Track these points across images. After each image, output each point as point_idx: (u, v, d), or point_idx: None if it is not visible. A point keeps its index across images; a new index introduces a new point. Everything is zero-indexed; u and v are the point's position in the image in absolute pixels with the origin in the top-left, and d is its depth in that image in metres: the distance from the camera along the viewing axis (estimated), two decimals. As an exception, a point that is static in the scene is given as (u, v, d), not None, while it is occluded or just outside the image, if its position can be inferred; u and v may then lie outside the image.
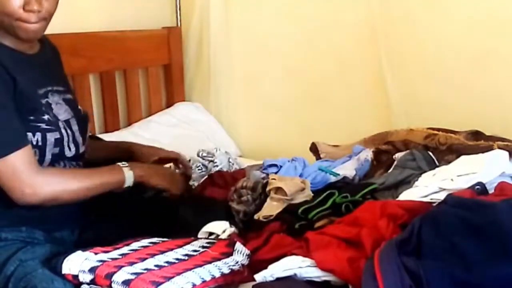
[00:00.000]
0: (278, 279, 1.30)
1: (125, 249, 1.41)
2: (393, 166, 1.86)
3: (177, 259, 1.37)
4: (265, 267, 1.32)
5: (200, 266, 1.33)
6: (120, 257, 1.36)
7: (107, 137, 2.20)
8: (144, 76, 2.66)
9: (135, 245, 1.44)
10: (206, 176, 2.13)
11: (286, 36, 2.58)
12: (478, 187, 1.43)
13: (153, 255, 1.38)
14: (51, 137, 1.47)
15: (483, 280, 1.10)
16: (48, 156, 1.48)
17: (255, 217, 1.68)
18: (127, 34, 2.52)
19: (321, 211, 1.61)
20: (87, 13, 2.39)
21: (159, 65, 2.74)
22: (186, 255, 1.40)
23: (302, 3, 2.51)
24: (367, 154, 2.01)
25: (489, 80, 2.14)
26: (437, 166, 1.73)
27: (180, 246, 1.44)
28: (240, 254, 1.40)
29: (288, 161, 2.08)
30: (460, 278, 1.11)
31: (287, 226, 1.58)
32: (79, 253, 1.34)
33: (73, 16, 2.23)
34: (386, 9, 2.29)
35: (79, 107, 1.63)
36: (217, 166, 2.24)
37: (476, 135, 1.93)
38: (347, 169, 1.97)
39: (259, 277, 1.30)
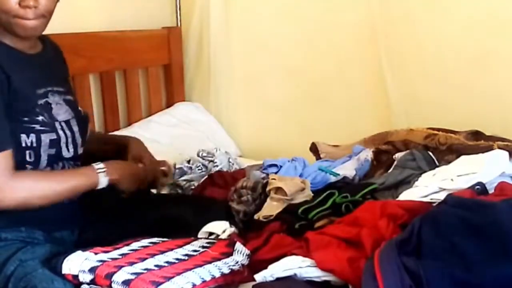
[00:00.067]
0: (278, 279, 1.30)
1: (125, 249, 1.41)
2: (393, 166, 1.86)
3: (177, 259, 1.37)
4: (265, 267, 1.32)
5: (200, 266, 1.33)
6: (120, 257, 1.36)
7: (107, 137, 2.20)
8: (144, 76, 2.66)
9: (135, 245, 1.44)
10: (206, 176, 2.13)
11: (286, 36, 2.58)
12: (478, 187, 1.43)
13: (153, 255, 1.38)
14: (46, 138, 1.46)
15: (483, 280, 1.10)
16: (44, 157, 1.48)
17: (255, 217, 1.68)
18: (127, 34, 2.52)
19: (321, 211, 1.61)
20: (87, 13, 2.39)
21: (159, 65, 2.74)
22: (186, 255, 1.40)
23: (302, 3, 2.51)
24: (367, 154, 2.01)
25: (489, 80, 2.14)
26: (437, 166, 1.74)
27: (180, 246, 1.44)
28: (240, 254, 1.40)
29: (288, 161, 2.08)
30: (460, 278, 1.11)
31: (287, 226, 1.58)
32: (79, 253, 1.34)
33: (73, 16, 2.23)
34: (386, 9, 2.29)
35: (79, 108, 1.62)
36: (217, 166, 2.24)
37: (476, 135, 1.93)
38: (347, 169, 1.97)
39: (259, 277, 1.30)
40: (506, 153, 1.61)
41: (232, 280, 1.36)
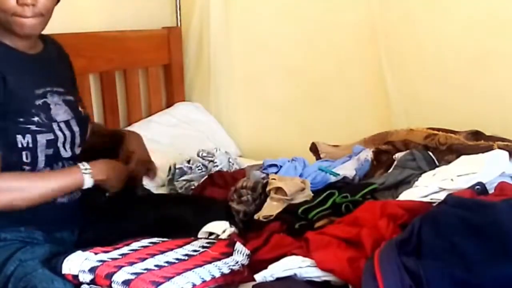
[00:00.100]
0: (278, 279, 1.30)
1: (125, 249, 1.41)
2: (393, 166, 1.86)
3: (177, 259, 1.37)
4: (265, 267, 1.32)
5: (200, 266, 1.33)
6: (120, 257, 1.36)
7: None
8: (144, 76, 2.66)
9: (135, 245, 1.44)
10: (206, 176, 2.13)
11: (286, 36, 2.58)
12: (478, 187, 1.43)
13: (153, 255, 1.38)
14: (42, 138, 1.46)
15: (483, 280, 1.10)
16: (41, 158, 1.47)
17: (255, 217, 1.68)
18: (127, 34, 2.52)
19: (321, 211, 1.61)
20: (87, 13, 2.39)
21: (159, 65, 2.74)
22: (186, 255, 1.40)
23: (302, 3, 2.51)
24: (367, 154, 2.01)
25: (489, 80, 2.14)
26: (437, 166, 1.74)
27: (180, 246, 1.44)
28: (240, 254, 1.40)
29: (288, 161, 2.08)
30: (460, 278, 1.11)
31: (287, 226, 1.58)
32: (79, 253, 1.34)
33: (73, 16, 2.23)
34: (386, 9, 2.29)
35: (80, 108, 1.61)
36: (217, 166, 2.24)
37: (476, 135, 1.93)
38: (347, 169, 1.97)
39: (259, 277, 1.30)
40: (506, 153, 1.61)
41: (232, 280, 1.36)
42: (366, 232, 1.34)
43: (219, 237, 1.54)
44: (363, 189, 1.70)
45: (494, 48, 2.10)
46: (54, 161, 1.51)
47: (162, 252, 1.40)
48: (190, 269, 1.31)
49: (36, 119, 1.46)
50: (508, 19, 2.07)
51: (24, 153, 1.45)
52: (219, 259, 1.37)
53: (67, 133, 1.52)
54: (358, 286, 1.18)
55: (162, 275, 1.27)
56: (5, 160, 1.43)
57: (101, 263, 1.31)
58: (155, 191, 2.14)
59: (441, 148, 1.89)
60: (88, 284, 1.30)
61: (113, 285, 1.26)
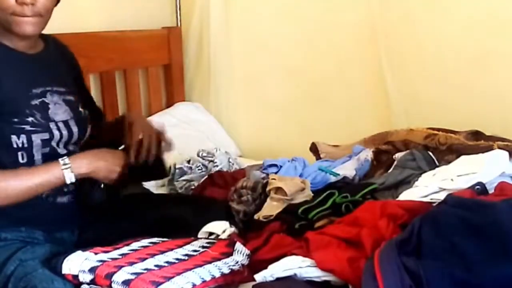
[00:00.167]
0: (278, 279, 1.30)
1: (125, 249, 1.41)
2: (393, 166, 1.86)
3: (177, 259, 1.37)
4: (265, 267, 1.32)
5: (200, 266, 1.33)
6: (120, 257, 1.36)
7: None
8: (144, 76, 2.66)
9: (135, 245, 1.44)
10: (206, 176, 2.13)
11: (286, 36, 2.58)
12: (478, 187, 1.43)
13: (153, 255, 1.38)
14: (37, 138, 1.46)
15: (483, 280, 1.10)
16: (38, 157, 1.47)
17: (255, 217, 1.68)
18: (127, 34, 2.52)
19: (321, 211, 1.61)
20: (87, 13, 2.39)
21: (159, 65, 2.74)
22: (186, 255, 1.40)
23: (302, 3, 2.51)
24: (367, 154, 2.01)
25: (489, 80, 2.14)
26: (437, 166, 1.74)
27: (180, 246, 1.44)
28: (240, 254, 1.40)
29: (288, 161, 2.08)
30: (460, 278, 1.11)
31: (287, 226, 1.58)
32: (79, 253, 1.34)
33: (73, 16, 2.23)
34: (386, 9, 2.29)
35: (80, 109, 1.61)
36: (217, 166, 2.24)
37: (476, 135, 1.93)
38: (347, 169, 1.97)
39: (259, 277, 1.30)
40: (506, 153, 1.61)
41: (232, 280, 1.36)
42: (366, 232, 1.34)
43: (219, 237, 1.54)
44: (363, 189, 1.70)
45: (494, 48, 2.11)
46: (51, 160, 1.50)
47: (162, 252, 1.40)
48: (190, 269, 1.31)
49: (30, 119, 1.46)
50: (508, 19, 2.07)
51: (19, 153, 1.45)
52: (219, 259, 1.37)
53: (65, 132, 1.52)
54: (358, 286, 1.18)
55: (162, 275, 1.27)
56: (0, 160, 1.43)
57: (101, 263, 1.31)
58: (155, 191, 2.14)
59: (441, 148, 1.89)
60: (88, 284, 1.30)
61: (113, 285, 1.26)
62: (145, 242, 1.46)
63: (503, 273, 1.10)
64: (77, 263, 1.31)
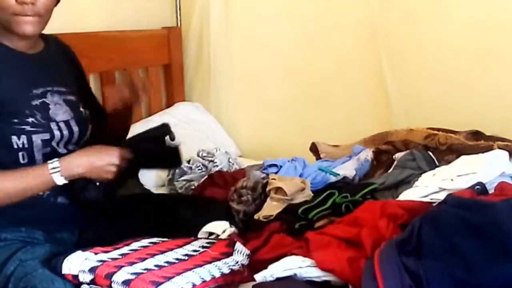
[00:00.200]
0: (278, 279, 1.30)
1: (125, 249, 1.41)
2: (393, 166, 1.86)
3: (177, 259, 1.37)
4: (265, 267, 1.32)
5: (200, 266, 1.33)
6: (120, 257, 1.36)
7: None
8: (144, 76, 2.66)
9: (135, 245, 1.44)
10: (206, 176, 2.13)
11: (286, 36, 2.58)
12: (478, 187, 1.43)
13: (153, 255, 1.38)
14: (37, 138, 1.46)
15: (483, 280, 1.10)
16: (39, 157, 1.47)
17: (255, 217, 1.68)
18: (127, 34, 2.52)
19: (321, 211, 1.61)
20: (87, 13, 2.39)
21: (159, 65, 2.74)
22: (186, 255, 1.40)
23: (302, 3, 2.51)
24: (367, 154, 2.02)
25: (489, 80, 2.14)
26: (437, 166, 1.74)
27: (180, 246, 1.44)
28: (240, 254, 1.40)
29: (288, 161, 2.08)
30: (460, 278, 1.12)
31: (287, 226, 1.58)
32: (79, 253, 1.34)
33: (73, 16, 2.23)
34: (386, 9, 2.29)
35: (81, 108, 1.60)
36: (217, 166, 2.24)
37: (476, 135, 1.93)
38: (347, 169, 1.97)
39: (259, 277, 1.30)
40: (506, 153, 1.61)
41: (232, 280, 1.36)
42: (366, 232, 1.34)
43: (219, 237, 1.54)
44: (363, 189, 1.70)
45: (494, 48, 2.11)
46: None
47: (162, 252, 1.40)
48: (190, 269, 1.31)
49: (31, 119, 1.45)
50: (508, 19, 2.07)
51: (20, 153, 1.45)
52: (219, 259, 1.37)
53: (65, 132, 1.52)
54: (358, 286, 1.18)
55: (162, 275, 1.27)
56: (1, 161, 1.43)
57: (101, 263, 1.31)
58: (155, 191, 2.14)
59: (441, 148, 1.89)
60: (88, 284, 1.30)
61: (113, 285, 1.26)
62: (145, 242, 1.46)
63: (503, 273, 1.10)
64: (77, 263, 1.31)
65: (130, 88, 1.59)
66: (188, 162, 2.22)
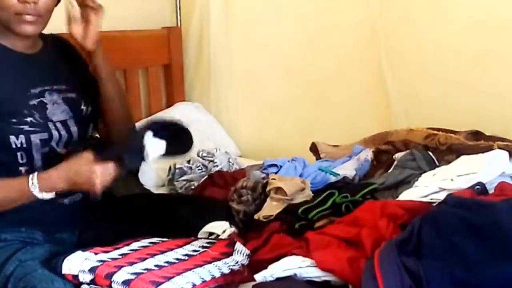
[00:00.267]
0: (278, 279, 1.30)
1: (125, 249, 1.41)
2: (393, 166, 1.86)
3: (177, 259, 1.37)
4: (265, 267, 1.32)
5: (200, 266, 1.33)
6: (120, 257, 1.36)
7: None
8: (144, 76, 2.66)
9: (135, 245, 1.44)
10: (206, 176, 2.13)
11: (286, 36, 2.58)
12: (478, 187, 1.43)
13: (153, 255, 1.38)
14: (35, 138, 1.45)
15: (483, 280, 1.10)
16: (37, 157, 1.47)
17: (255, 217, 1.68)
18: (127, 34, 2.52)
19: (321, 211, 1.61)
20: (87, 13, 2.39)
21: (159, 65, 2.74)
22: (186, 255, 1.40)
23: (302, 3, 2.51)
24: (367, 154, 2.01)
25: (489, 80, 2.14)
26: (437, 166, 1.74)
27: (180, 246, 1.44)
28: (240, 254, 1.40)
29: (288, 161, 2.08)
30: (460, 278, 1.12)
31: (287, 226, 1.58)
32: (79, 253, 1.34)
33: (73, 16, 2.23)
34: (386, 9, 2.29)
35: (82, 106, 1.59)
36: (217, 166, 2.24)
37: (476, 135, 1.93)
38: (347, 169, 1.97)
39: (259, 277, 1.30)
40: (506, 153, 1.61)
41: (232, 280, 1.36)
42: (366, 232, 1.34)
43: (219, 237, 1.54)
44: (363, 189, 1.70)
45: (494, 48, 2.10)
46: (51, 160, 1.49)
47: (162, 252, 1.40)
48: (190, 269, 1.31)
49: (29, 119, 1.45)
50: (508, 19, 2.07)
51: (19, 153, 1.45)
52: (219, 259, 1.37)
53: (63, 133, 1.51)
54: (358, 286, 1.18)
55: (162, 275, 1.27)
56: (0, 161, 1.43)
57: (101, 263, 1.31)
58: (155, 191, 2.14)
59: (441, 148, 1.89)
60: (88, 284, 1.30)
61: (113, 285, 1.26)
62: (145, 242, 1.46)
63: (503, 273, 1.10)
64: (77, 263, 1.31)
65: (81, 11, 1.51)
66: (188, 162, 2.22)
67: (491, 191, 1.43)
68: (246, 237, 1.56)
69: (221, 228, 1.57)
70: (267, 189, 1.78)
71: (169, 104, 2.79)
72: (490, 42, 2.11)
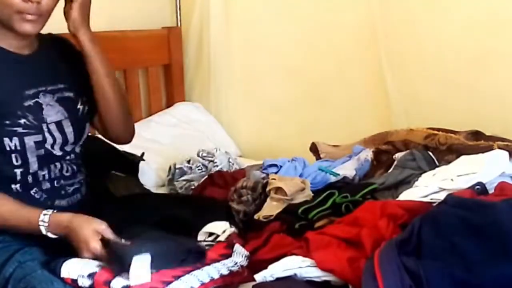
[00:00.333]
0: (278, 279, 1.30)
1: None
2: (393, 166, 1.86)
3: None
4: (265, 267, 1.32)
5: (199, 268, 1.32)
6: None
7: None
8: (144, 76, 2.66)
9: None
10: (206, 176, 2.13)
11: (286, 36, 2.58)
12: (478, 187, 1.43)
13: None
14: (29, 140, 1.44)
15: (483, 280, 1.10)
16: (32, 159, 1.45)
17: (255, 217, 1.68)
18: (127, 34, 2.52)
19: (321, 211, 1.61)
20: (87, 13, 2.39)
21: (159, 65, 2.74)
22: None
23: (302, 3, 2.51)
24: (367, 154, 2.01)
25: (489, 80, 2.14)
26: (437, 166, 1.74)
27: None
28: (239, 256, 1.39)
29: (288, 161, 2.08)
30: (460, 278, 1.12)
31: (287, 226, 1.58)
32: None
33: (73, 16, 2.23)
34: (386, 9, 2.29)
35: (79, 106, 1.58)
36: (217, 166, 2.24)
37: (476, 135, 1.93)
38: (347, 169, 1.97)
39: (259, 277, 1.30)
40: (506, 153, 1.61)
41: (231, 282, 1.35)
42: (366, 232, 1.34)
43: (219, 237, 1.54)
44: (363, 189, 1.70)
45: (494, 48, 2.10)
46: (47, 162, 1.49)
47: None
48: (189, 272, 1.30)
49: (23, 121, 1.44)
50: (508, 19, 2.07)
51: (13, 155, 1.43)
52: (218, 261, 1.37)
53: (57, 134, 1.50)
54: (358, 286, 1.18)
55: (160, 280, 1.26)
56: None
57: (100, 268, 1.30)
58: (155, 191, 2.14)
59: (441, 148, 1.89)
60: (87, 289, 1.29)
61: (111, 291, 1.25)
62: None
63: (503, 273, 1.10)
64: (76, 267, 1.29)
65: None
66: (188, 162, 2.22)
67: (491, 191, 1.43)
68: (246, 237, 1.56)
69: (221, 228, 1.56)
70: (267, 189, 1.78)
71: (169, 104, 2.79)
72: (490, 42, 2.11)
